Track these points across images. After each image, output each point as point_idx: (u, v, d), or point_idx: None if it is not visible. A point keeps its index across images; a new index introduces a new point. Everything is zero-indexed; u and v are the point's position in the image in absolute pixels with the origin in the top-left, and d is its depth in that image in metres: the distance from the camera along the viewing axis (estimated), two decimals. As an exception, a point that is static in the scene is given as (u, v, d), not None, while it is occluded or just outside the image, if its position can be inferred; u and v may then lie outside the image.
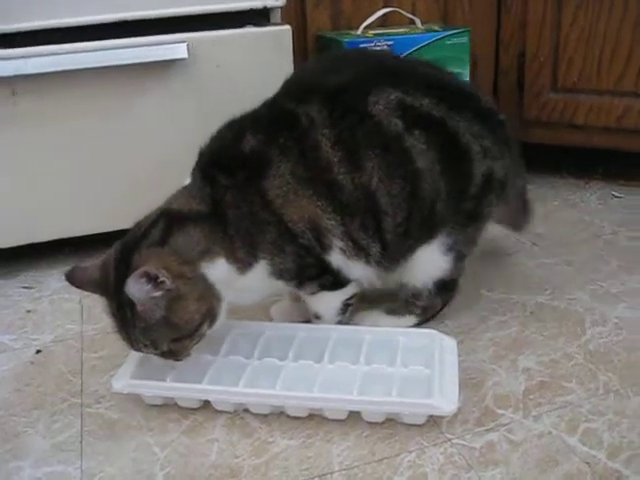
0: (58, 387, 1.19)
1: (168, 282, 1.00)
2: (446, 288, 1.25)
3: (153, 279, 0.98)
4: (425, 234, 1.16)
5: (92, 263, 1.10)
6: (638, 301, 1.34)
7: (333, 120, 1.09)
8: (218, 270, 1.07)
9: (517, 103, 1.88)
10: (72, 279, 1.09)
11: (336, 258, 1.13)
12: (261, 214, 1.09)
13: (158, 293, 0.99)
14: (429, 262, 1.19)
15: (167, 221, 1.07)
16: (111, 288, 1.05)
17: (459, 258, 1.21)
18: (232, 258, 1.08)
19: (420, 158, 1.10)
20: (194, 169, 1.14)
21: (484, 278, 1.45)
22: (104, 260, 1.09)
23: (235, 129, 1.14)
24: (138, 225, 1.09)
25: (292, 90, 1.19)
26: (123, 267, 1.01)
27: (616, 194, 1.86)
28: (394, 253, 1.16)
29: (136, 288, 0.97)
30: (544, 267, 1.49)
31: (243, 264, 1.09)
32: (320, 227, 1.10)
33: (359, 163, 1.09)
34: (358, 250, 1.13)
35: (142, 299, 0.99)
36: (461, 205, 1.16)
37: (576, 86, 1.80)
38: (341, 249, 1.12)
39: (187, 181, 1.14)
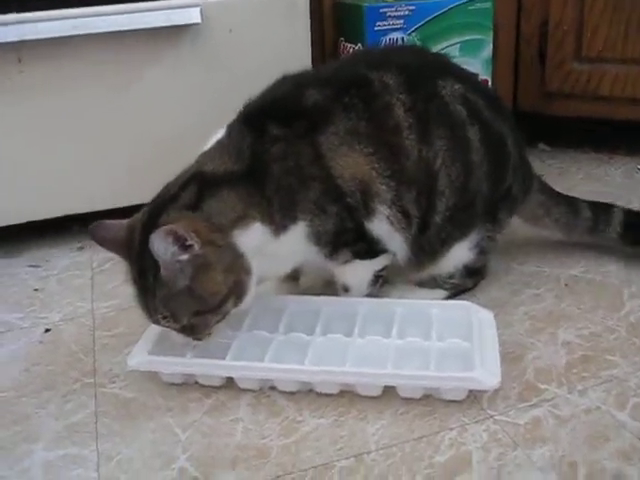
0: (69, 366, 1.13)
1: (197, 247, 0.93)
2: (474, 273, 1.24)
3: (181, 241, 0.92)
4: (463, 229, 1.16)
5: (119, 221, 1.04)
6: (676, 273, 1.28)
7: (410, 88, 1.09)
8: (251, 236, 1.01)
9: (539, 74, 1.81)
10: (95, 235, 1.04)
11: (378, 226, 1.09)
12: (309, 169, 1.03)
13: (184, 257, 0.93)
14: (457, 255, 1.18)
15: (200, 184, 1.00)
16: (135, 251, 0.98)
17: (482, 253, 1.21)
18: (268, 221, 1.02)
19: (475, 151, 1.12)
20: (234, 121, 1.08)
21: (514, 251, 1.38)
22: (131, 220, 1.03)
23: (294, 84, 1.11)
24: (167, 187, 1.03)
25: (361, 60, 1.20)
26: (149, 229, 0.94)
27: (642, 168, 1.80)
28: (433, 241, 1.14)
29: (161, 246, 0.91)
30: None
31: (279, 226, 1.03)
32: (370, 190, 1.06)
33: (429, 137, 1.09)
34: (406, 224, 1.10)
35: (166, 260, 0.92)
36: (491, 206, 1.18)
37: (601, 55, 1.73)
38: (388, 218, 1.08)
39: (219, 135, 1.07)
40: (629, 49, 1.69)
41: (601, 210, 1.33)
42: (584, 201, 1.35)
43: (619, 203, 1.57)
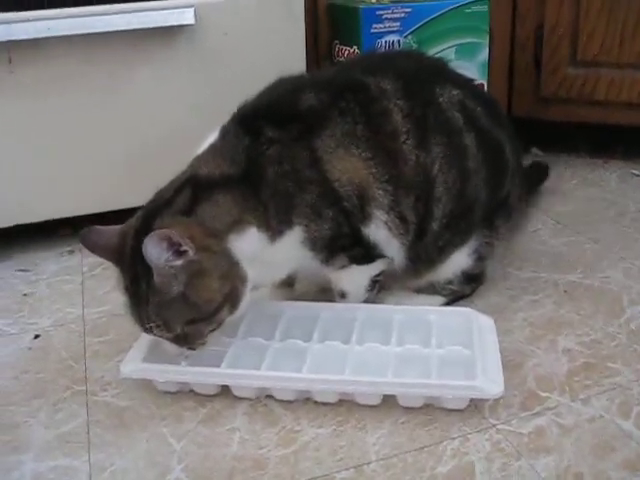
0: (60, 374, 1.10)
1: (191, 252, 0.91)
2: (473, 279, 1.22)
3: (175, 246, 0.90)
4: (461, 236, 1.14)
5: (111, 227, 1.01)
6: (675, 279, 1.27)
7: (407, 94, 1.08)
8: (247, 242, 0.98)
9: (534, 79, 1.80)
10: (86, 241, 1.01)
11: (375, 232, 1.07)
12: (306, 172, 1.01)
13: (178, 262, 0.91)
14: (455, 262, 1.17)
15: (194, 188, 0.98)
16: (127, 257, 0.96)
17: (480, 259, 1.19)
18: (264, 226, 1.00)
19: (472, 158, 1.11)
20: (228, 123, 1.06)
21: (511, 256, 1.37)
22: (124, 227, 1.00)
23: (290, 87, 1.09)
24: (161, 192, 1.01)
25: (358, 65, 1.19)
26: (143, 235, 0.91)
27: (636, 173, 1.79)
28: (430, 249, 1.12)
29: (155, 251, 0.88)
30: (571, 245, 1.42)
31: (275, 232, 1.01)
32: (367, 195, 1.05)
33: (427, 143, 1.08)
34: (404, 229, 1.08)
35: (160, 266, 0.90)
36: (489, 212, 1.16)
37: (596, 60, 1.71)
38: (385, 223, 1.06)
39: (211, 139, 1.05)
40: (625, 53, 1.68)
41: None
42: None
43: (615, 208, 1.58)
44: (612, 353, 1.08)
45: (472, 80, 1.34)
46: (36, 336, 1.20)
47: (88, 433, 0.97)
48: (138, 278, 0.94)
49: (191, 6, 1.35)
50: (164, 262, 0.90)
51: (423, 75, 1.14)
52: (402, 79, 1.10)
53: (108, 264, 1.02)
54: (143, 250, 0.88)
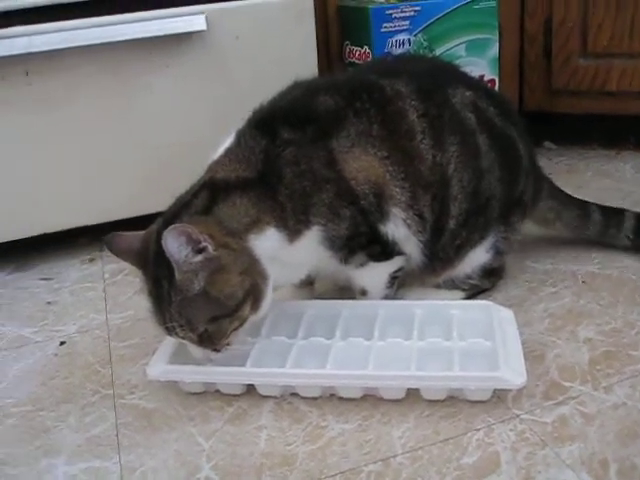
0: (87, 379, 1.12)
1: (210, 248, 0.93)
2: (492, 273, 1.23)
3: (194, 243, 0.92)
4: (479, 233, 1.16)
5: (134, 232, 1.04)
6: (693, 266, 1.28)
7: (421, 95, 1.10)
8: (267, 241, 1.00)
9: (545, 71, 1.80)
10: (111, 245, 1.04)
11: (394, 229, 1.08)
12: (322, 172, 1.03)
13: (198, 259, 0.93)
14: (474, 257, 1.18)
15: (212, 191, 1.01)
16: (150, 260, 0.98)
17: (499, 254, 1.21)
18: (282, 226, 1.01)
19: (485, 157, 1.13)
20: (244, 127, 1.08)
21: (528, 249, 1.37)
22: (146, 231, 1.03)
23: (305, 89, 1.11)
24: (180, 198, 1.03)
25: (371, 69, 1.22)
26: None
27: (651, 162, 1.79)
28: (447, 248, 1.14)
29: (174, 245, 0.91)
30: (588, 237, 1.42)
31: (293, 232, 1.02)
32: (384, 193, 1.06)
33: (442, 143, 1.09)
34: (422, 227, 1.10)
35: (180, 261, 0.92)
36: (505, 209, 1.18)
37: (607, 51, 1.72)
38: (404, 221, 1.08)
39: (227, 143, 1.07)
40: (635, 43, 1.69)
41: (612, 214, 1.33)
42: (595, 204, 1.34)
43: (631, 198, 1.58)
44: (633, 341, 1.08)
45: (483, 81, 1.35)
46: (62, 343, 1.22)
47: (117, 435, 0.98)
48: (160, 279, 0.96)
49: (202, 12, 1.37)
50: (184, 258, 0.92)
51: (436, 77, 1.16)
52: (416, 81, 1.11)
53: (129, 271, 1.05)
54: (163, 244, 0.90)
